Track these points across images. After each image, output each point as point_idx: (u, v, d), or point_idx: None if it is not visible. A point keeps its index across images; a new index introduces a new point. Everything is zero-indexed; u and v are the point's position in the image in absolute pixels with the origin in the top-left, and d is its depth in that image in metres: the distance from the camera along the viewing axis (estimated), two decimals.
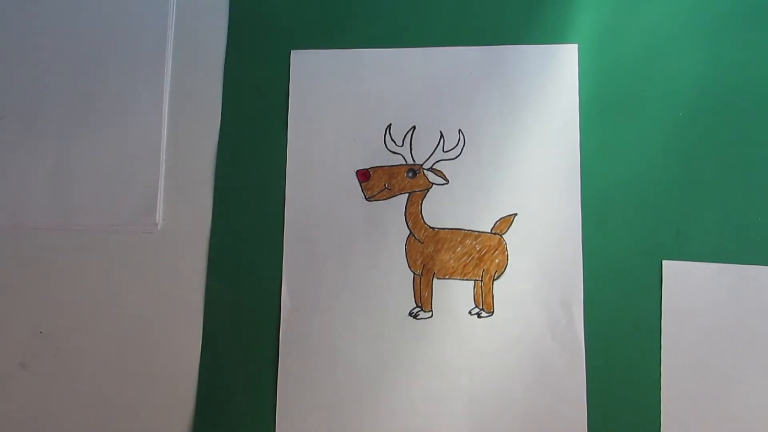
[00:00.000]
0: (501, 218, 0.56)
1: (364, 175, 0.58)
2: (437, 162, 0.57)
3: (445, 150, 0.57)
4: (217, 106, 0.60)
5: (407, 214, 0.57)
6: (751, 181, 0.55)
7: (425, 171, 0.57)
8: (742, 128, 0.56)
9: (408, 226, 0.57)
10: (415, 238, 0.57)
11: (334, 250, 0.57)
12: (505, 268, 0.56)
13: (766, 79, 0.56)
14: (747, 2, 0.57)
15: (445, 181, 0.57)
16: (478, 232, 0.56)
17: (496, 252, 0.56)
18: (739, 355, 0.53)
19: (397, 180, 0.57)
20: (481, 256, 0.56)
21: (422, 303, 0.56)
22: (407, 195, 0.57)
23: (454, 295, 0.56)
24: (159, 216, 0.59)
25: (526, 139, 0.56)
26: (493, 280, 0.56)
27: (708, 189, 0.55)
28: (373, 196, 0.58)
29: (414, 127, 0.58)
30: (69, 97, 0.61)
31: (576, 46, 0.57)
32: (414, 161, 0.58)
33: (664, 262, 0.55)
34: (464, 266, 0.56)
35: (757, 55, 0.57)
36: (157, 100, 0.60)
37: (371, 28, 0.60)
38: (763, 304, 0.54)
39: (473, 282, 0.56)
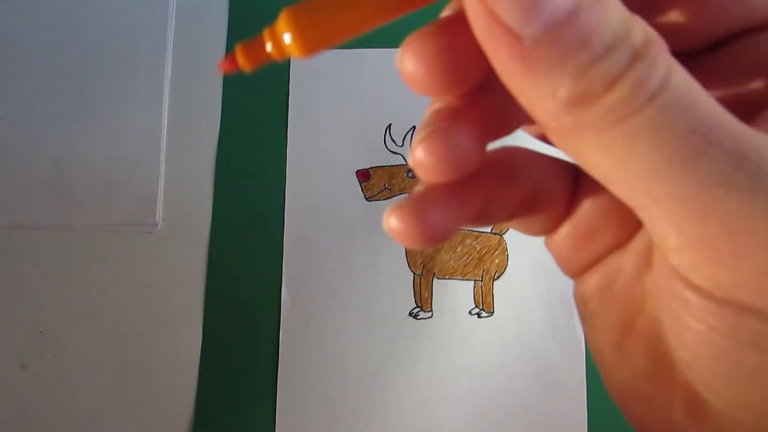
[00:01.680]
0: None
1: (364, 175, 0.58)
2: None
3: None
4: (217, 106, 0.60)
5: None
6: None
7: None
8: None
9: None
10: None
11: (334, 250, 0.57)
12: (505, 268, 0.56)
13: None
14: None
15: None
16: (478, 232, 0.56)
17: (496, 252, 0.56)
18: None
19: (397, 180, 0.57)
20: (481, 257, 0.56)
21: (422, 303, 0.56)
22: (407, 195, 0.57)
23: (454, 295, 0.56)
24: (159, 216, 0.59)
25: (525, 139, 0.56)
26: (493, 280, 0.56)
27: None
28: (373, 196, 0.58)
29: (414, 128, 0.58)
30: (68, 97, 0.61)
31: None
32: None
33: None
34: (464, 266, 0.56)
35: None
36: (157, 100, 0.60)
37: None
38: None
39: (473, 282, 0.56)
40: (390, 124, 0.58)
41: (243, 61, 0.17)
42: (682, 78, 0.14)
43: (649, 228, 0.16)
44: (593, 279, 0.21)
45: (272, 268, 0.58)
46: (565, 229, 0.21)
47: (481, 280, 0.56)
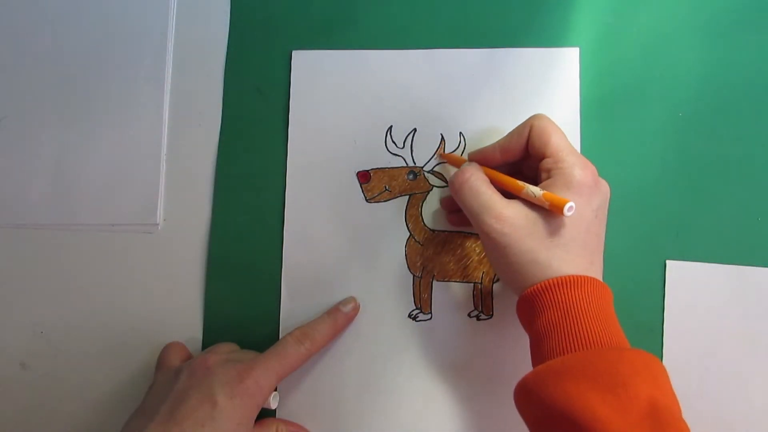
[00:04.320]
0: None
1: (364, 177, 0.58)
2: (438, 164, 0.57)
3: (445, 152, 0.57)
4: (217, 106, 0.60)
5: (407, 216, 0.57)
6: (751, 182, 0.55)
7: (426, 173, 0.57)
8: (744, 129, 0.56)
9: (408, 228, 0.57)
10: (414, 240, 0.57)
11: (333, 251, 0.57)
12: None
13: (767, 79, 0.56)
14: (750, 3, 0.57)
15: (445, 184, 0.57)
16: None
17: None
18: (743, 358, 0.53)
19: (398, 182, 0.57)
20: (480, 259, 0.56)
21: (422, 305, 0.56)
22: (408, 197, 0.57)
23: (454, 297, 0.56)
24: (159, 216, 0.59)
25: None
26: (493, 282, 0.56)
27: (708, 190, 0.55)
28: (374, 198, 0.57)
29: (415, 129, 0.58)
30: (69, 97, 0.61)
31: (578, 49, 0.57)
32: (415, 163, 0.57)
33: (668, 262, 0.54)
34: (464, 269, 0.56)
35: (758, 55, 0.56)
36: (158, 100, 0.60)
37: (373, 29, 0.59)
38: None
39: (473, 284, 0.56)
40: (391, 126, 0.58)
41: None
42: (476, 179, 0.48)
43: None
44: None
45: (272, 268, 0.58)
46: None
47: (481, 283, 0.56)
